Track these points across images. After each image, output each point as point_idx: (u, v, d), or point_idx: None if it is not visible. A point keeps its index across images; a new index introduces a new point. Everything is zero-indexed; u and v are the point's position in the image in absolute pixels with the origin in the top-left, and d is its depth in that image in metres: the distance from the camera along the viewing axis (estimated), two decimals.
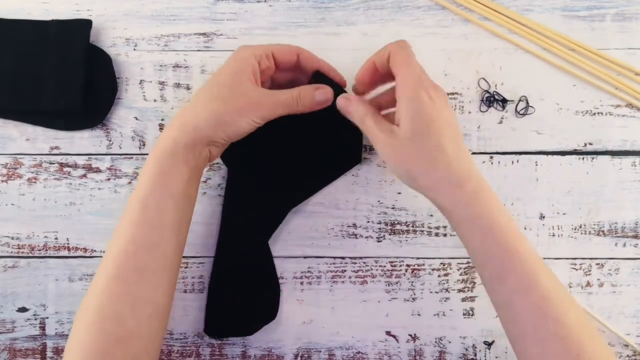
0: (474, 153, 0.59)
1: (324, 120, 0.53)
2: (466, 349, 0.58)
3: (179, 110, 0.58)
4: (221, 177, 0.59)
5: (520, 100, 0.59)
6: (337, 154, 0.58)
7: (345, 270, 0.59)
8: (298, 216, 0.58)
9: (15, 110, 0.58)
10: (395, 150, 0.48)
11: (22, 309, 0.58)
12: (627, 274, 0.59)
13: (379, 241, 0.59)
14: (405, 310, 0.58)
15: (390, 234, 0.59)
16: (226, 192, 0.58)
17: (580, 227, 0.59)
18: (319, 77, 0.54)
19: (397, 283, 0.59)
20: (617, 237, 0.59)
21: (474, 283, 0.58)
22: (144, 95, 0.60)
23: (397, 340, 0.58)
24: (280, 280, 0.58)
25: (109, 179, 0.59)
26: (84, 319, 0.46)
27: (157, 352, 0.49)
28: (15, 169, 0.59)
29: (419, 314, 0.58)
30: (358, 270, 0.59)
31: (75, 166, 0.59)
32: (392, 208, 0.59)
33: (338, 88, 0.54)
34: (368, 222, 0.59)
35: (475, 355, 0.58)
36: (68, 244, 0.59)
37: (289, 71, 0.55)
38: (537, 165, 0.59)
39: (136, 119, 0.59)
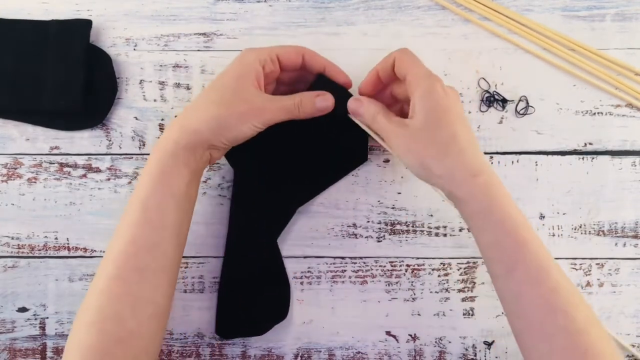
0: None
1: (330, 119, 0.53)
2: (466, 349, 0.58)
3: (181, 110, 0.59)
4: (221, 177, 0.59)
5: (520, 100, 0.59)
6: (343, 153, 0.58)
7: (345, 270, 0.59)
8: (298, 216, 0.58)
9: (15, 110, 0.58)
10: (408, 141, 0.49)
11: (22, 309, 0.58)
12: (627, 274, 0.59)
13: (379, 241, 0.59)
14: (405, 310, 0.58)
15: (390, 234, 0.59)
16: (233, 193, 0.58)
17: (580, 227, 0.59)
18: (322, 80, 0.54)
19: (397, 283, 0.59)
20: (617, 237, 0.59)
21: (474, 283, 0.58)
22: (144, 95, 0.60)
23: (397, 340, 0.58)
24: None
25: (109, 179, 0.59)
26: (84, 319, 0.46)
27: (157, 352, 0.49)
28: (15, 169, 0.59)
29: (419, 314, 0.58)
30: (358, 270, 0.59)
31: (75, 166, 0.59)
32: (392, 208, 0.59)
33: (342, 91, 0.54)
34: (368, 222, 0.59)
35: (475, 355, 0.58)
36: (68, 244, 0.59)
37: (294, 71, 0.55)
38: (537, 165, 0.59)
39: (136, 119, 0.59)
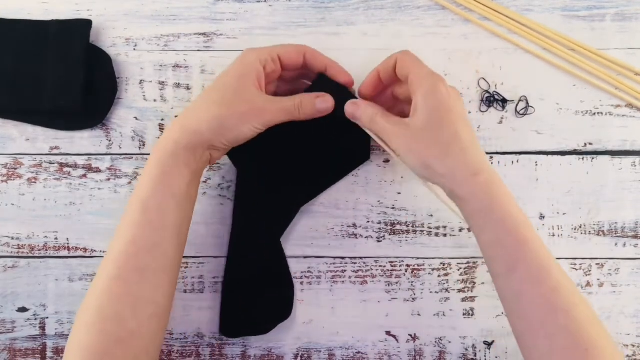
0: None
1: (332, 118, 0.53)
2: (466, 349, 0.58)
3: (181, 110, 0.59)
4: (221, 177, 0.59)
5: (520, 100, 0.59)
6: (345, 151, 0.58)
7: (345, 270, 0.59)
8: (298, 216, 0.58)
9: (15, 110, 0.58)
10: (410, 140, 0.49)
11: (22, 309, 0.58)
12: (627, 274, 0.59)
13: (379, 241, 0.59)
14: (405, 310, 0.58)
15: (390, 234, 0.59)
16: (236, 193, 0.58)
17: (580, 227, 0.59)
18: (322, 80, 0.54)
19: (397, 283, 0.59)
20: (617, 237, 0.59)
21: (474, 283, 0.58)
22: (144, 95, 0.60)
23: (397, 340, 0.58)
24: None
25: (109, 179, 0.59)
26: (85, 319, 0.46)
27: (157, 352, 0.49)
28: (15, 169, 0.59)
29: (419, 314, 0.58)
30: (358, 270, 0.59)
31: (75, 166, 0.59)
32: (392, 208, 0.59)
33: (343, 90, 0.54)
34: (368, 222, 0.59)
35: (475, 355, 0.58)
36: (68, 244, 0.59)
37: (295, 70, 0.55)
38: (537, 165, 0.59)
39: (136, 119, 0.59)
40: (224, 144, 0.51)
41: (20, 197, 0.59)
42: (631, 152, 0.59)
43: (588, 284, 0.59)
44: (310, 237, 0.59)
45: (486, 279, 0.58)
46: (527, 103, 0.59)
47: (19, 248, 0.58)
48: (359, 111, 0.52)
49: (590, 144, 0.59)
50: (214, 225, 0.58)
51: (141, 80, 0.60)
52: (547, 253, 0.47)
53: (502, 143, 0.59)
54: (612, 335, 0.58)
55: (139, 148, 0.59)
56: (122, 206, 0.58)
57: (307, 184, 0.58)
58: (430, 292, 0.58)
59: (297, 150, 0.57)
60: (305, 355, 0.58)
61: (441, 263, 0.59)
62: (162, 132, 0.59)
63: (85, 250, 0.58)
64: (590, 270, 0.59)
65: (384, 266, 0.59)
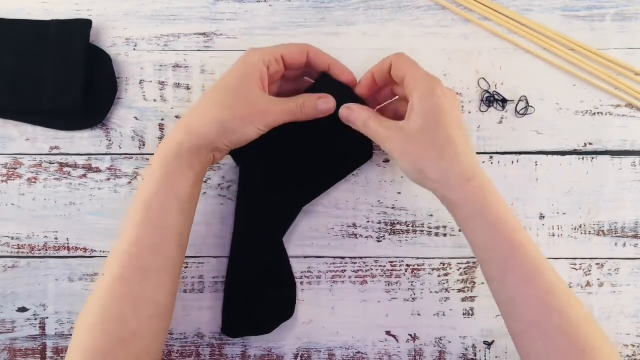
0: None
1: (335, 118, 0.53)
2: (466, 349, 0.58)
3: (182, 110, 0.59)
4: (221, 177, 0.59)
5: (520, 100, 0.59)
6: (348, 151, 0.57)
7: (345, 270, 0.59)
8: (298, 216, 0.58)
9: (15, 110, 0.58)
10: (404, 143, 0.49)
11: (22, 309, 0.58)
12: (627, 274, 0.59)
13: (379, 241, 0.59)
14: (405, 310, 0.58)
15: (390, 234, 0.59)
16: (239, 193, 0.58)
17: (580, 227, 0.59)
18: (324, 79, 0.54)
19: (397, 283, 0.59)
20: (617, 237, 0.59)
21: (474, 283, 0.58)
22: (144, 95, 0.60)
23: (397, 340, 0.58)
24: None
25: (109, 179, 0.59)
26: (87, 319, 0.47)
27: (159, 352, 0.49)
28: (15, 169, 0.59)
29: (419, 314, 0.58)
30: (358, 270, 0.59)
31: (75, 166, 0.59)
32: (392, 208, 0.59)
33: (346, 90, 0.54)
34: (368, 222, 0.59)
35: (475, 355, 0.58)
36: (68, 244, 0.59)
37: (298, 69, 0.55)
38: (537, 165, 0.59)
39: (136, 119, 0.59)
40: (227, 145, 0.51)
41: (20, 197, 0.59)
42: (631, 152, 0.59)
43: (588, 284, 0.59)
44: (310, 237, 0.59)
45: None
46: (527, 103, 0.59)
47: (19, 248, 0.58)
48: (353, 115, 0.52)
49: (590, 144, 0.59)
50: (214, 225, 0.58)
51: (141, 80, 0.60)
52: (540, 255, 0.47)
53: (502, 143, 0.59)
54: (612, 336, 0.58)
55: (139, 148, 0.59)
56: (122, 206, 0.58)
57: (310, 183, 0.58)
58: (430, 292, 0.58)
59: (299, 150, 0.57)
60: (305, 355, 0.58)
61: (441, 263, 0.59)
62: (162, 132, 0.59)
63: (85, 250, 0.58)
64: (590, 270, 0.59)
65: (384, 266, 0.59)
